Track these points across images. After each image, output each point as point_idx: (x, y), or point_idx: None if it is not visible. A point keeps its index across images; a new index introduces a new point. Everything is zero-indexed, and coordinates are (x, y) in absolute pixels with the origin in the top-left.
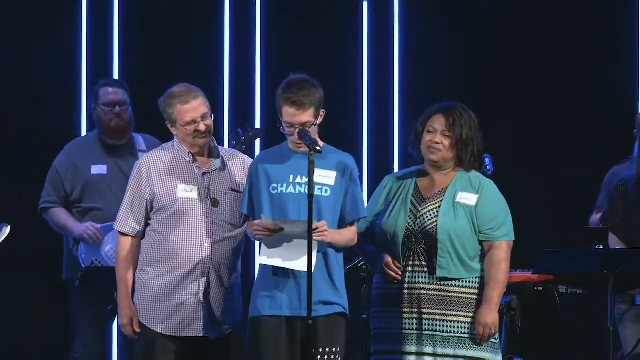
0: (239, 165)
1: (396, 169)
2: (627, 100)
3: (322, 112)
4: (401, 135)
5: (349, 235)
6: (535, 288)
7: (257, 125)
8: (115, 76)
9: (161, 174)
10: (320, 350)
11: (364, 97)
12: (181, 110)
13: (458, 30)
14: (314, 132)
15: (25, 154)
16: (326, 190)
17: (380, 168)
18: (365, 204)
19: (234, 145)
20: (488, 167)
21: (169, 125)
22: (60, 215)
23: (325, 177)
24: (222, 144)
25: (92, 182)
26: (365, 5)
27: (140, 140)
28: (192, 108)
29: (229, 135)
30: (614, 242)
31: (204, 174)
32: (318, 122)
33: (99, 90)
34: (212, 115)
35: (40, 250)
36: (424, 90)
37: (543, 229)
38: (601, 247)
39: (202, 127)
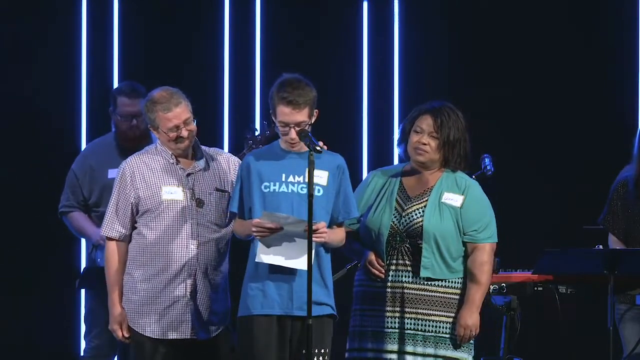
0: (223, 163)
1: None
2: (627, 100)
3: (316, 112)
4: None
5: (341, 235)
6: (535, 288)
7: (257, 125)
8: (115, 76)
9: (145, 177)
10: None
11: (364, 97)
12: (163, 118)
13: (458, 30)
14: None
15: (25, 154)
16: (319, 190)
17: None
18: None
19: (250, 145)
20: (488, 167)
21: (151, 129)
22: (79, 220)
23: (317, 176)
24: (222, 146)
25: (109, 186)
26: (365, 5)
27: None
28: (174, 115)
29: (248, 133)
30: (613, 243)
31: (188, 175)
32: (312, 121)
33: (117, 98)
34: (195, 120)
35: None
36: (424, 90)
37: (543, 229)
38: (601, 247)
39: (184, 133)
